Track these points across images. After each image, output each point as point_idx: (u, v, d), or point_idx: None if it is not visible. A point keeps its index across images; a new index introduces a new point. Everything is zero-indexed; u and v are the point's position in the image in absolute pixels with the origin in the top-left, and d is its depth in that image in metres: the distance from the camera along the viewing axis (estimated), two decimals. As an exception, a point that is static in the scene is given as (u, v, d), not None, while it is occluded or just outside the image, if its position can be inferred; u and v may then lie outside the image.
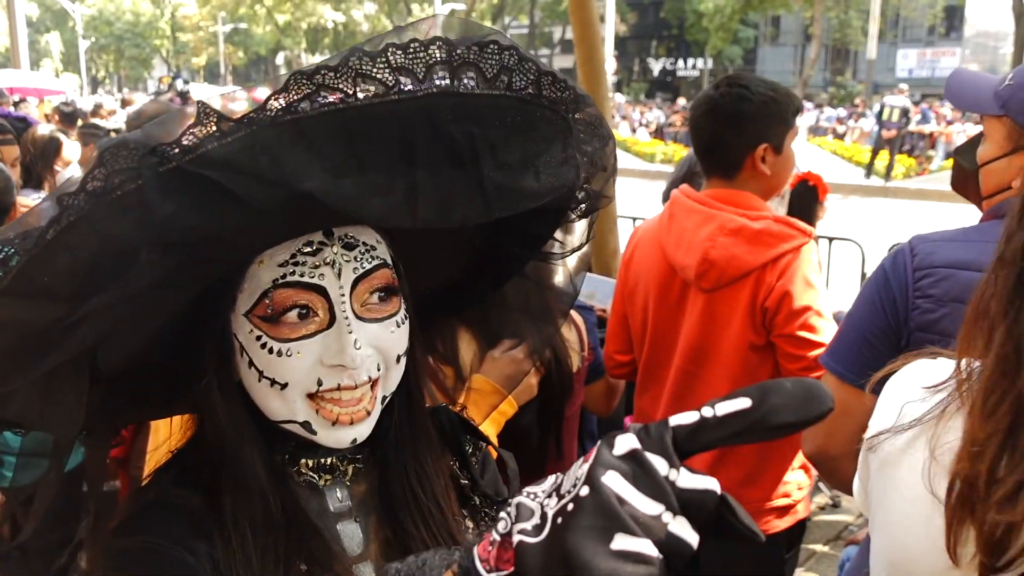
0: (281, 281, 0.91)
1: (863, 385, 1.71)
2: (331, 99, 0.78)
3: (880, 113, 19.34)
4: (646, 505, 0.54)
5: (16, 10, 13.27)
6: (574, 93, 0.91)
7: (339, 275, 0.92)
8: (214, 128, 0.76)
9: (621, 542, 0.52)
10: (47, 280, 0.79)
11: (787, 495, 2.35)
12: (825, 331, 2.16)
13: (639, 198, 8.26)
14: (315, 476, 1.02)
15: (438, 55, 0.81)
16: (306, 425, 0.95)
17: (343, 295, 0.92)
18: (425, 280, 1.13)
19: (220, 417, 0.96)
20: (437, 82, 0.81)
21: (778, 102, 2.26)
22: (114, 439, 1.08)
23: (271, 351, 0.92)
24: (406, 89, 0.80)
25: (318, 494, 1.02)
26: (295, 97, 0.77)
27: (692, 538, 0.54)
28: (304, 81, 0.77)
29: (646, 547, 0.52)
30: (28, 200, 3.96)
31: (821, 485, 4.66)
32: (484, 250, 1.15)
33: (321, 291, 0.92)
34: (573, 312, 2.29)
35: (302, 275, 0.91)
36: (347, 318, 0.92)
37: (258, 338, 0.92)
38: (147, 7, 58.19)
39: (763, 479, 2.32)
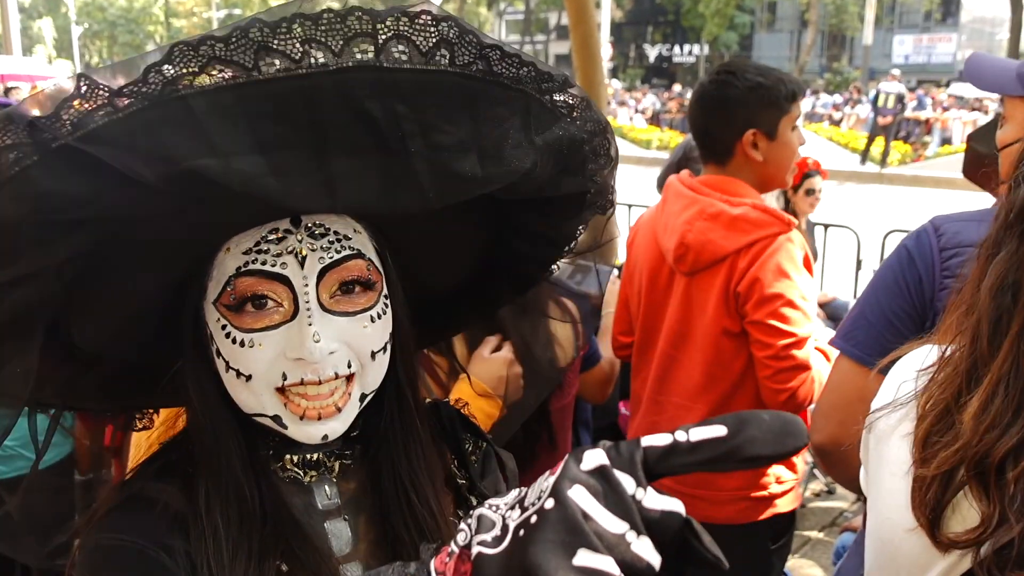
0: (244, 269, 0.88)
1: (886, 368, 1.70)
2: (229, 73, 0.73)
3: (875, 99, 19.33)
4: (611, 523, 0.53)
5: (7, -5, 13.16)
6: (535, 70, 0.85)
7: (303, 264, 0.89)
8: (99, 102, 0.72)
9: (583, 558, 0.52)
10: None
11: (765, 487, 2.34)
12: (799, 322, 2.15)
13: (634, 185, 8.23)
14: (300, 472, 0.99)
15: (358, 27, 0.76)
16: (276, 419, 0.92)
17: (307, 285, 0.89)
18: (432, 279, 1.10)
19: (196, 407, 0.94)
20: (358, 56, 0.76)
21: (766, 87, 2.24)
22: (139, 422, 1.07)
23: (235, 341, 0.89)
24: (317, 63, 0.75)
25: (304, 491, 0.99)
26: (181, 71, 0.72)
27: (655, 559, 0.53)
28: (190, 53, 0.72)
29: (608, 565, 0.52)
30: None
31: (817, 472, 4.67)
32: (498, 251, 1.11)
33: (284, 280, 0.88)
34: (567, 302, 2.28)
35: (264, 263, 0.88)
36: (309, 310, 0.88)
37: (223, 327, 0.90)
38: (140, -7, 57.85)
39: None
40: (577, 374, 2.31)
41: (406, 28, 0.77)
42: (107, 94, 0.72)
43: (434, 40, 0.78)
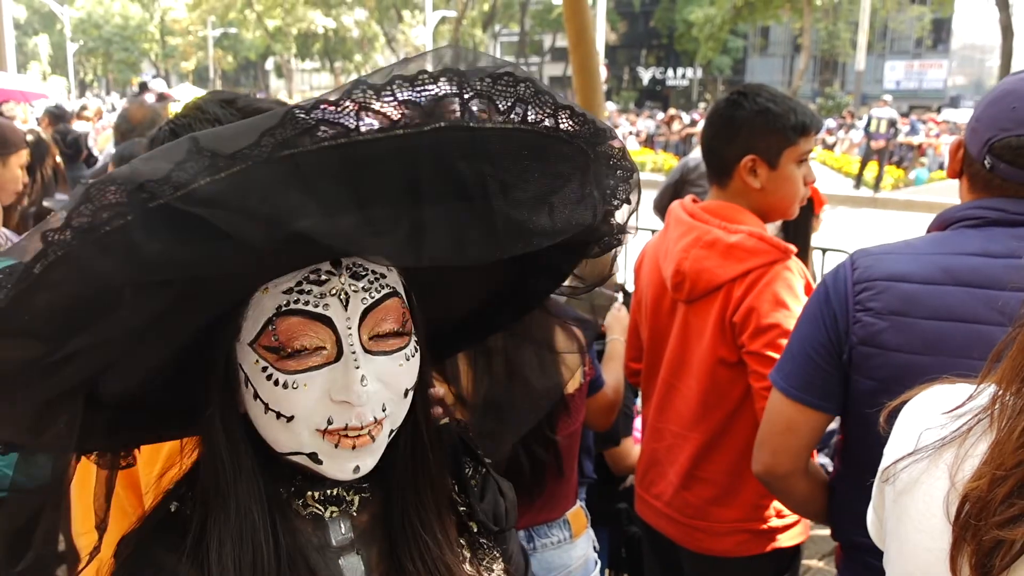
0: (285, 308, 0.87)
1: (807, 401, 1.73)
2: (331, 132, 0.75)
3: (868, 124, 19.45)
4: None
5: (3, 12, 13.15)
6: (594, 127, 0.88)
7: (346, 306, 0.89)
8: (206, 164, 0.73)
9: None
10: (27, 319, 0.75)
11: (764, 519, 2.26)
12: None
13: (630, 207, 8.19)
14: (321, 508, 0.99)
15: (448, 88, 0.78)
16: (312, 456, 0.91)
17: (350, 327, 0.89)
18: (445, 310, 1.11)
19: (219, 449, 0.91)
20: (447, 116, 0.78)
21: (772, 113, 2.17)
22: (124, 460, 1.03)
23: (276, 383, 0.88)
24: (413, 123, 0.77)
25: (322, 527, 0.99)
26: (291, 132, 0.74)
27: None
28: (302, 117, 0.74)
29: None
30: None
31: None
32: (507, 283, 1.13)
33: (327, 322, 0.88)
34: (574, 328, 2.23)
35: (307, 303, 0.87)
36: (354, 352, 0.88)
37: (264, 369, 0.89)
38: (136, 11, 58.02)
39: (735, 500, 2.25)
40: (584, 400, 2.26)
41: (488, 88, 0.80)
42: (211, 155, 0.73)
43: (512, 100, 0.81)
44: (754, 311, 2.10)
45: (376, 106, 0.76)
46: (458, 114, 0.78)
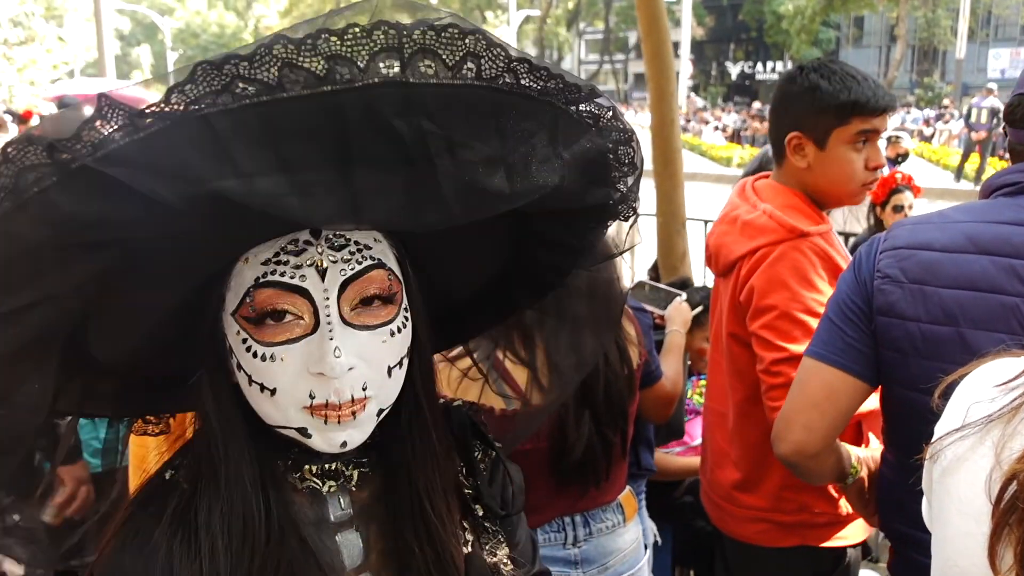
0: (262, 280, 0.86)
1: (846, 366, 1.61)
2: (251, 90, 0.71)
3: (968, 115, 18.65)
4: None
5: (104, 22, 13.79)
6: (563, 82, 0.83)
7: (323, 277, 0.86)
8: (120, 123, 0.70)
9: None
10: None
11: (786, 512, 2.13)
12: (795, 337, 1.94)
13: (711, 202, 8.03)
14: (318, 482, 0.97)
15: (384, 41, 0.73)
16: (302, 430, 0.90)
17: (327, 298, 0.86)
18: (450, 285, 1.08)
19: (210, 418, 0.91)
20: (384, 71, 0.74)
21: (822, 91, 2.03)
22: (156, 427, 1.06)
23: (255, 355, 0.87)
24: (342, 80, 0.72)
25: (320, 502, 0.97)
26: (204, 90, 0.70)
27: None
28: (213, 72, 0.71)
29: None
30: None
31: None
32: (518, 259, 1.09)
33: (304, 293, 0.86)
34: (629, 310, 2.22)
35: (283, 275, 0.85)
36: (330, 324, 0.86)
37: (244, 341, 0.88)
38: (232, 19, 60.06)
39: (761, 487, 2.14)
40: (637, 382, 2.22)
41: (432, 42, 0.75)
42: (127, 115, 0.70)
43: (461, 54, 0.76)
44: (753, 290, 2.02)
45: (300, 62, 0.72)
46: (397, 70, 0.74)
